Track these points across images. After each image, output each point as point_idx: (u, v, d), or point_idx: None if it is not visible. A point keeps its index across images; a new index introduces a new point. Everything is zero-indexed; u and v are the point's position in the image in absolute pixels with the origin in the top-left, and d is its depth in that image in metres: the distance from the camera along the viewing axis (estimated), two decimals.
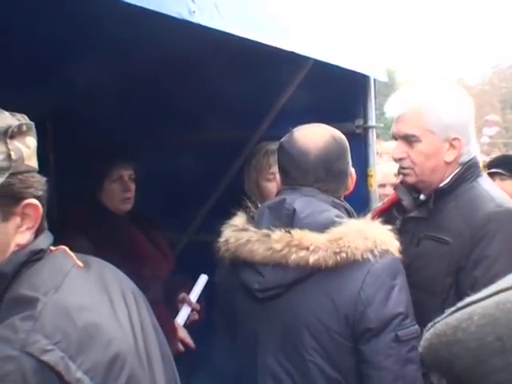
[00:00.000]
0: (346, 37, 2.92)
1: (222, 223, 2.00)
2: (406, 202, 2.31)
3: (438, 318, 0.74)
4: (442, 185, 2.20)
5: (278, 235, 1.79)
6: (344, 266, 1.74)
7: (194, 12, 1.72)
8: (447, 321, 0.72)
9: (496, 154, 6.89)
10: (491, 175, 4.05)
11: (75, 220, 2.82)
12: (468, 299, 0.73)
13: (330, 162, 1.91)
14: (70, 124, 3.94)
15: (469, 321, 0.70)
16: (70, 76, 2.74)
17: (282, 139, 2.00)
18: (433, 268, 2.12)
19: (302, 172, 1.92)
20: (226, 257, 1.93)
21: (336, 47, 2.80)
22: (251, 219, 1.92)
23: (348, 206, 1.96)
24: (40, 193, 1.22)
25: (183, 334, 2.97)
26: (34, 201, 1.19)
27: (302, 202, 1.84)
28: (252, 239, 1.84)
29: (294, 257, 1.75)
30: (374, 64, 3.18)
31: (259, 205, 1.98)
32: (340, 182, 1.95)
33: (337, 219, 1.81)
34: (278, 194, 1.97)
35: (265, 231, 1.83)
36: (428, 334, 0.74)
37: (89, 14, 2.07)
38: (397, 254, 1.81)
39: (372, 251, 1.75)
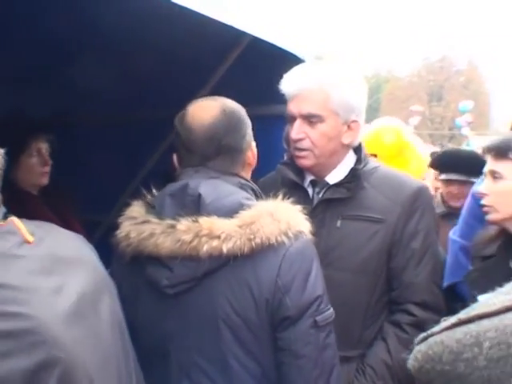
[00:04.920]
0: (281, 19, 2.83)
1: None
2: (298, 180, 2.21)
3: (434, 329, 0.58)
4: (360, 165, 2.17)
5: (184, 225, 1.63)
6: (259, 252, 1.63)
7: None
8: (445, 340, 0.55)
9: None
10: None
11: None
12: (471, 311, 0.57)
13: (217, 138, 1.75)
14: None
15: (476, 348, 0.54)
16: None
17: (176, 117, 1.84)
18: (367, 247, 2.10)
19: (189, 151, 1.77)
20: (127, 252, 1.73)
21: (273, 27, 2.70)
22: (151, 209, 1.74)
23: (255, 186, 1.82)
24: None
25: None
26: None
27: (206, 186, 1.69)
28: (156, 232, 1.66)
29: (206, 247, 1.60)
30: (304, 48, 3.10)
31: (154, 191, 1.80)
32: (233, 159, 1.79)
33: (245, 202, 1.68)
34: (177, 177, 1.79)
35: (169, 222, 1.66)
36: (419, 354, 0.58)
37: None
38: (309, 236, 1.72)
39: (286, 234, 1.65)
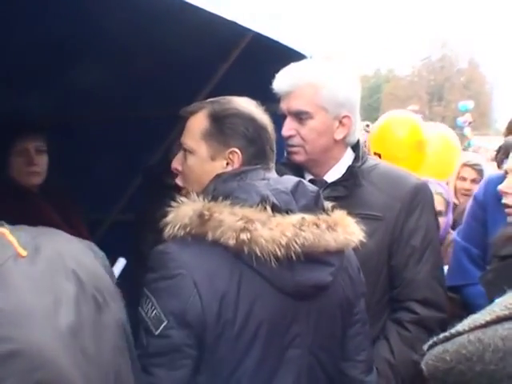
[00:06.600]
0: (286, 17, 2.82)
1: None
2: None
3: (458, 328, 0.57)
4: (357, 163, 2.17)
5: (324, 220, 1.62)
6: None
7: None
8: (484, 339, 0.53)
9: None
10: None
11: None
12: (498, 309, 0.55)
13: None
14: None
15: None
16: None
17: (240, 108, 1.71)
18: (367, 244, 1.93)
19: (272, 149, 1.78)
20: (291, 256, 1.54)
21: (276, 23, 2.69)
22: (273, 208, 1.57)
23: None
24: None
25: None
26: None
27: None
28: (321, 228, 1.59)
29: (345, 239, 1.68)
30: (311, 46, 3.10)
31: (263, 190, 1.60)
32: None
33: None
34: (239, 173, 1.65)
35: (311, 218, 1.60)
36: (447, 354, 0.56)
37: None
38: None
39: None
